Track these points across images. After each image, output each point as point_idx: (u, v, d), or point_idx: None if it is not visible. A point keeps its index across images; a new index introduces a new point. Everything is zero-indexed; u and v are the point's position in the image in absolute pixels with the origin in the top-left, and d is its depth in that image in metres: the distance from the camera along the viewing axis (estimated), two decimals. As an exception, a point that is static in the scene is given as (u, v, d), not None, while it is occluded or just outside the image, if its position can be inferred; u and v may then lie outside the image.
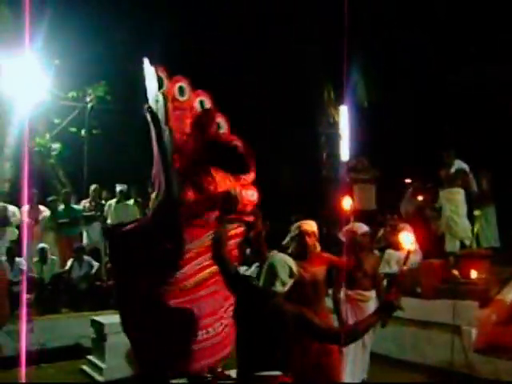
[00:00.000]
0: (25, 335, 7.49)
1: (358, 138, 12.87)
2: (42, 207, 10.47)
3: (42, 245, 9.68)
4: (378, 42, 12.58)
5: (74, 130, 12.68)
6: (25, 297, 8.55)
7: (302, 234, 5.08)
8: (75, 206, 11.01)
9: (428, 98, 12.40)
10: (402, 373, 7.21)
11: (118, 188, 11.35)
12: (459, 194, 8.97)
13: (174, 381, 5.26)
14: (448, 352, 7.25)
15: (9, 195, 10.70)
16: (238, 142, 5.27)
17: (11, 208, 10.04)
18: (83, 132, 12.86)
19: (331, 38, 10.13)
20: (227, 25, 13.25)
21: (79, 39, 11.57)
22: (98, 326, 7.33)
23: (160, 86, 5.00)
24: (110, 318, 6.99)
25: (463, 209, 8.99)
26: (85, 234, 10.87)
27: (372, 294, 6.00)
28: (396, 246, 7.92)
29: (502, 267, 8.38)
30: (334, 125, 13.88)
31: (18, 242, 9.89)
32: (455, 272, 8.38)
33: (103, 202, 11.48)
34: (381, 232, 9.67)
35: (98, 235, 10.82)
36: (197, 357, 4.83)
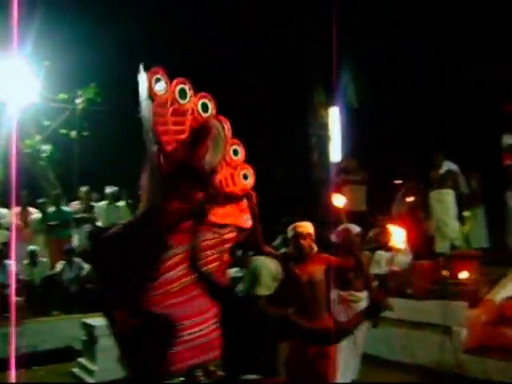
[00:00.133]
0: (15, 338, 7.50)
1: (348, 139, 12.90)
2: (32, 209, 10.44)
3: (32, 247, 9.65)
4: (377, 42, 12.59)
5: (64, 131, 12.63)
6: (16, 299, 8.58)
7: (297, 236, 5.10)
8: (65, 208, 10.98)
9: (427, 98, 12.42)
10: (393, 373, 7.23)
11: (108, 190, 11.34)
12: (449, 195, 9.03)
13: (166, 381, 5.25)
14: (438, 352, 7.29)
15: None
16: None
17: (0, 210, 10.00)
18: (73, 134, 12.82)
19: (323, 38, 10.16)
20: (220, 24, 13.28)
21: (69, 41, 11.52)
22: (89, 329, 7.32)
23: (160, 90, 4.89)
24: (101, 321, 6.93)
25: (453, 210, 9.06)
26: (75, 236, 10.83)
27: (364, 294, 6.01)
28: (386, 247, 7.95)
29: (492, 268, 8.44)
30: (325, 126, 13.89)
31: (7, 245, 9.87)
32: (445, 273, 8.41)
33: (94, 204, 11.46)
34: (371, 233, 9.70)
35: (89, 237, 10.80)
36: (182, 357, 4.81)
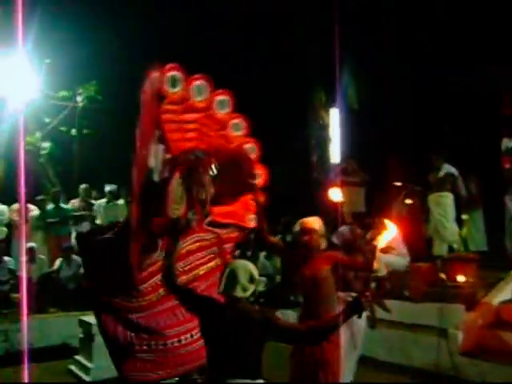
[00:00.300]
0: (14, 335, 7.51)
1: (348, 140, 12.90)
2: (30, 206, 10.44)
3: (30, 244, 9.65)
4: (377, 42, 12.60)
5: (64, 129, 12.64)
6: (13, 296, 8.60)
7: (301, 232, 5.02)
8: (64, 206, 10.98)
9: (427, 100, 12.42)
10: (389, 375, 7.23)
11: (108, 188, 11.34)
12: (448, 198, 9.02)
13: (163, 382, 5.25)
14: (435, 354, 7.29)
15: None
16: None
17: (0, 207, 10.01)
18: (73, 131, 12.83)
19: (323, 39, 10.17)
20: (220, 25, 13.28)
21: (70, 38, 11.54)
22: (86, 326, 7.31)
23: (174, 87, 4.72)
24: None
25: (452, 213, 9.05)
26: (74, 234, 10.82)
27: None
28: (384, 249, 7.94)
29: (489, 271, 8.46)
30: (325, 127, 13.90)
31: (6, 241, 9.88)
32: (443, 275, 8.43)
33: (93, 201, 11.46)
34: (369, 235, 9.68)
35: (88, 235, 10.78)
36: (172, 364, 4.78)
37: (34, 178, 11.87)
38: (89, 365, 7.13)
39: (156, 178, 4.74)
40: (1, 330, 8.10)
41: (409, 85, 12.65)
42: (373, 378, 6.83)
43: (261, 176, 5.51)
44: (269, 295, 10.03)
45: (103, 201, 11.27)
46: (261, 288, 10.56)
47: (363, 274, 5.98)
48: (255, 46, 13.27)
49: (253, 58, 13.29)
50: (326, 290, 4.92)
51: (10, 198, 9.84)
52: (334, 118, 13.37)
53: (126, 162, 4.75)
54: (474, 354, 7.10)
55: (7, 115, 10.05)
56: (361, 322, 5.62)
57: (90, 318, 7.32)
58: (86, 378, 7.03)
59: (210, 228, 5.12)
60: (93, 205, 11.32)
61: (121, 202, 11.23)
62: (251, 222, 5.33)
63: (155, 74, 4.56)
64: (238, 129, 5.36)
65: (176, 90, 4.72)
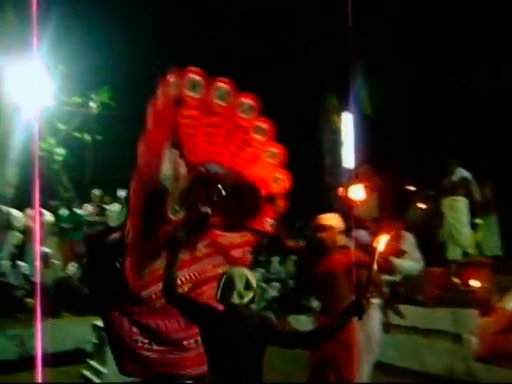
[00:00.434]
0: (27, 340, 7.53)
1: (361, 146, 12.87)
2: (44, 212, 10.49)
3: (44, 249, 9.70)
4: (377, 42, 12.58)
5: (78, 135, 12.71)
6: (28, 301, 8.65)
7: (317, 229, 4.98)
8: (78, 211, 11.04)
9: (443, 105, 12.38)
10: (403, 380, 7.20)
11: (121, 193, 11.37)
12: (462, 203, 8.97)
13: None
14: (449, 360, 7.27)
15: (13, 200, 10.72)
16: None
17: (15, 212, 10.07)
18: (87, 137, 12.89)
19: (336, 43, 10.15)
20: (232, 29, 13.31)
21: (84, 44, 11.63)
22: (100, 331, 7.32)
23: (194, 91, 4.63)
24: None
25: (466, 217, 8.99)
26: (87, 239, 10.89)
27: (374, 301, 5.95)
28: (396, 253, 7.91)
29: (503, 276, 8.39)
30: (338, 131, 13.88)
31: (21, 247, 9.94)
32: (456, 280, 8.38)
33: (106, 207, 11.51)
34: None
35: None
36: (191, 363, 4.78)
37: (48, 183, 11.95)
38: (102, 369, 7.14)
39: (168, 184, 4.66)
40: (15, 335, 8.13)
41: (426, 90, 12.62)
42: (386, 384, 6.81)
43: (284, 181, 5.47)
44: (282, 300, 10.03)
45: (117, 206, 11.31)
46: (274, 293, 10.58)
47: (380, 280, 5.95)
48: (268, 50, 13.30)
49: (265, 62, 13.31)
50: (340, 288, 4.81)
51: (24, 204, 9.91)
52: (347, 122, 13.36)
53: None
54: (488, 360, 7.05)
55: (21, 121, 10.14)
56: (375, 326, 5.56)
57: (104, 323, 7.37)
58: (100, 383, 7.05)
59: (221, 233, 5.11)
60: (106, 210, 11.36)
61: (134, 207, 11.25)
62: (269, 226, 5.29)
63: (173, 79, 4.46)
64: (261, 133, 5.29)
65: (196, 93, 4.65)
